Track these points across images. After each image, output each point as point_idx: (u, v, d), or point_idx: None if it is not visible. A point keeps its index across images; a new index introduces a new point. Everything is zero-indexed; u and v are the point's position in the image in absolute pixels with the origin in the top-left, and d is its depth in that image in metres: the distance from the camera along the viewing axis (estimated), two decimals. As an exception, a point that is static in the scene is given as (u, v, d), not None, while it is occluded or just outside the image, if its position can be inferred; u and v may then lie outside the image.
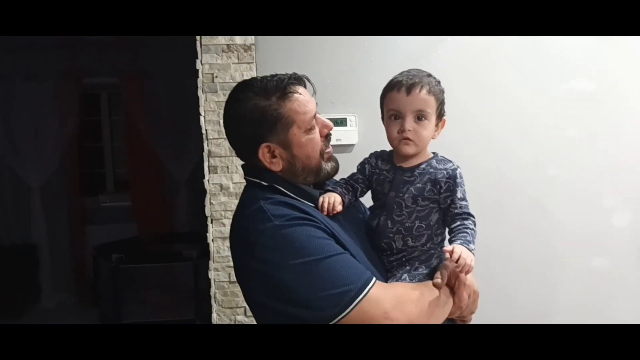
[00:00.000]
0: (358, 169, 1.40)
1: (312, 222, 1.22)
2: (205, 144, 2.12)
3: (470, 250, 1.24)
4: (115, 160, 5.08)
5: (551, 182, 2.12)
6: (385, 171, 1.35)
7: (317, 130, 1.30)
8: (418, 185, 1.30)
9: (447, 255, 1.22)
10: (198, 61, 2.10)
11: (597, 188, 2.12)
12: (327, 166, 1.33)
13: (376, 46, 2.10)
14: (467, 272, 1.25)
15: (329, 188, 1.36)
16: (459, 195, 1.29)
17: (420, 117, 1.28)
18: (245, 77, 2.06)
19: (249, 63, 2.09)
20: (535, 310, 2.12)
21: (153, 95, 4.60)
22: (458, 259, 1.20)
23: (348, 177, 1.40)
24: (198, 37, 2.08)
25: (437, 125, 1.31)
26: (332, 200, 1.31)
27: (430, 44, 2.10)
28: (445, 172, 1.29)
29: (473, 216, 1.30)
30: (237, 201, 1.93)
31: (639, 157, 2.11)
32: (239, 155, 1.35)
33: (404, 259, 1.32)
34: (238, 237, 1.28)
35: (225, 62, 2.09)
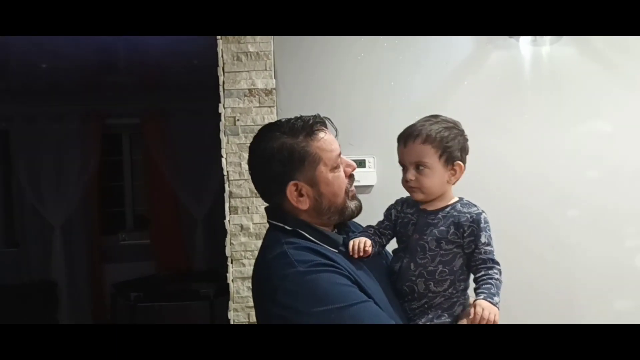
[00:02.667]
0: (385, 215, 1.42)
1: (335, 269, 1.22)
2: (226, 185, 2.15)
3: (494, 304, 1.23)
4: (135, 199, 5.16)
5: (572, 223, 2.11)
6: (410, 214, 1.37)
7: (342, 169, 1.33)
8: (442, 228, 1.30)
9: (471, 314, 1.22)
10: (221, 105, 2.15)
11: (619, 229, 2.11)
12: (352, 205, 1.35)
13: (394, 89, 2.14)
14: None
15: (357, 234, 1.37)
16: (482, 240, 1.28)
17: (419, 167, 1.30)
18: (267, 121, 2.13)
19: (269, 107, 2.13)
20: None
21: (173, 136, 4.70)
22: (480, 319, 1.20)
23: (376, 225, 1.41)
24: (221, 82, 2.14)
25: (451, 170, 1.31)
26: (362, 243, 1.32)
27: (448, 86, 2.13)
28: (469, 216, 1.30)
29: (498, 264, 1.28)
30: (257, 242, 1.96)
31: (660, 197, 2.09)
32: (264, 196, 1.38)
33: (426, 306, 1.31)
34: (260, 281, 1.29)
35: (247, 106, 2.14)
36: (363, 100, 2.14)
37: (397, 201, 1.42)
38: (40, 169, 4.65)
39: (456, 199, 1.35)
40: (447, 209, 1.32)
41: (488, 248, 1.28)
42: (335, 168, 1.31)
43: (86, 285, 4.81)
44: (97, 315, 4.74)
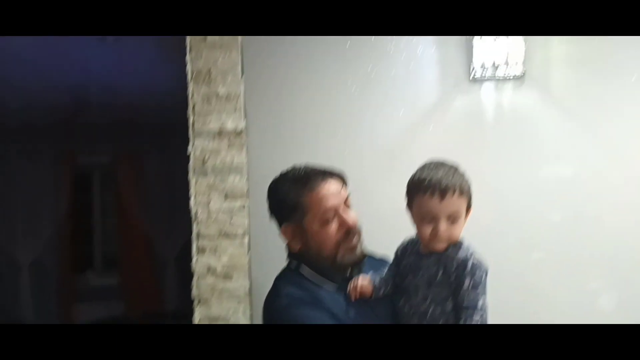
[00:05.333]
0: (395, 254, 1.47)
1: (315, 305, 1.33)
2: (194, 225, 2.14)
3: None
4: (105, 238, 5.08)
5: (536, 266, 2.14)
6: (410, 253, 1.41)
7: (334, 224, 1.40)
8: (432, 271, 1.33)
9: None
10: (190, 146, 2.16)
11: (582, 271, 2.14)
12: (344, 258, 1.41)
13: (362, 131, 2.18)
14: None
15: (364, 274, 1.44)
16: (466, 285, 1.29)
17: (453, 219, 1.32)
18: (236, 161, 2.15)
19: (239, 147, 2.15)
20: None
21: (145, 176, 4.68)
22: None
23: (390, 265, 1.46)
24: (191, 123, 2.16)
25: (465, 216, 1.35)
26: (360, 284, 1.38)
27: (415, 129, 2.18)
28: (456, 260, 1.32)
29: (480, 310, 1.28)
30: (224, 283, 2.02)
31: (621, 240, 2.13)
32: (279, 229, 1.50)
33: None
34: (263, 308, 1.46)
35: (216, 147, 2.16)
36: (332, 141, 2.17)
37: (405, 241, 1.46)
38: (9, 207, 4.56)
39: (455, 241, 1.37)
40: (440, 252, 1.34)
41: (472, 294, 1.29)
42: (324, 223, 1.39)
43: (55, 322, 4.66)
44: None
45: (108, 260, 5.04)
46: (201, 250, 2.14)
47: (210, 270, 2.13)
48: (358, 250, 1.44)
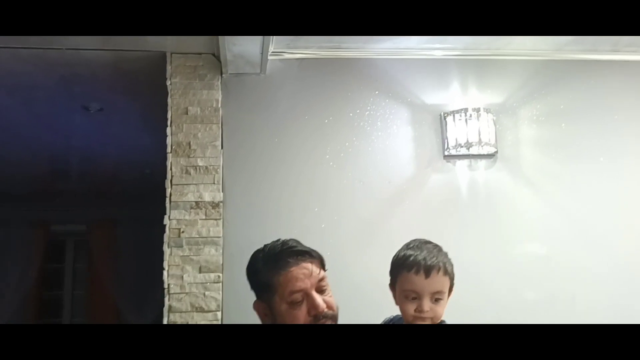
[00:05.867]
0: None
1: None
2: (166, 299, 2.09)
3: None
4: (74, 309, 4.91)
5: (513, 344, 2.12)
6: None
7: (303, 306, 1.35)
8: None
9: None
10: (166, 217, 2.15)
11: (559, 350, 2.12)
12: None
13: (340, 205, 2.19)
14: None
15: None
16: None
17: (437, 298, 1.31)
18: (212, 234, 2.13)
19: (216, 219, 2.14)
20: None
21: (119, 245, 4.60)
22: None
23: None
24: (168, 195, 2.16)
25: (448, 295, 1.35)
26: None
27: (391, 204, 2.20)
28: None
29: None
30: None
31: (595, 319, 2.13)
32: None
33: None
34: None
35: (192, 218, 2.15)
36: (309, 215, 2.18)
37: (385, 320, 1.46)
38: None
39: (439, 321, 1.35)
40: None
41: None
42: (292, 303, 1.35)
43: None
44: None
45: (77, 313, 4.86)
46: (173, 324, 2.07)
47: (180, 345, 2.06)
48: None
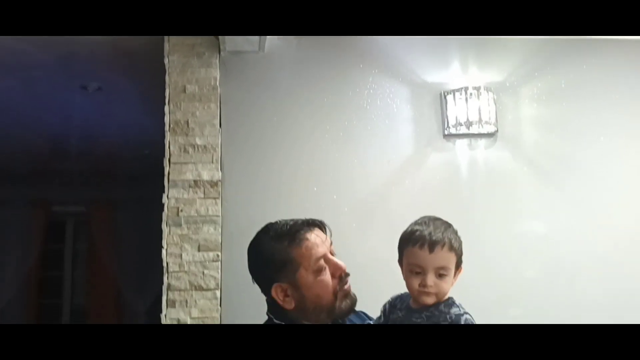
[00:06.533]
0: (381, 311, 1.45)
1: None
2: (165, 277, 2.09)
3: None
4: (74, 290, 4.94)
5: (514, 322, 2.12)
6: (399, 310, 1.39)
7: (327, 271, 1.38)
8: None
9: None
10: (164, 195, 2.14)
11: (557, 329, 2.13)
12: (342, 304, 1.40)
13: (339, 185, 2.19)
14: None
15: None
16: None
17: (441, 274, 1.31)
18: (211, 212, 2.13)
19: (214, 198, 2.14)
20: None
21: (119, 226, 4.60)
22: None
23: (374, 322, 1.45)
24: (166, 173, 2.15)
25: (455, 274, 1.35)
26: None
27: (390, 184, 2.20)
28: (448, 317, 1.31)
29: None
30: None
31: (595, 295, 2.14)
32: (262, 291, 1.46)
33: None
34: None
35: (191, 197, 2.14)
36: (308, 195, 2.18)
37: (392, 297, 1.45)
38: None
39: (446, 298, 1.35)
40: (432, 309, 1.33)
41: None
42: (318, 271, 1.37)
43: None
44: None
45: (76, 312, 4.88)
46: (171, 304, 2.08)
47: (180, 324, 2.07)
48: (351, 294, 1.43)
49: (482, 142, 2.23)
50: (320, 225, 1.44)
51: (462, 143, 2.23)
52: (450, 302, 1.35)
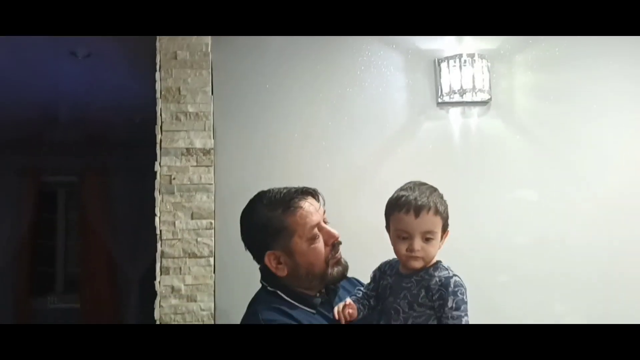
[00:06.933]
0: (371, 277, 1.46)
1: None
2: (158, 245, 2.10)
3: None
4: (67, 259, 4.94)
5: (503, 288, 2.16)
6: (389, 276, 1.41)
7: (320, 239, 1.40)
8: (414, 291, 1.33)
9: None
10: (157, 163, 2.13)
11: (547, 294, 2.16)
12: (334, 271, 1.42)
13: (331, 153, 2.18)
14: None
15: (346, 299, 1.42)
16: (449, 304, 1.29)
17: (428, 238, 1.32)
18: (203, 180, 2.12)
19: (207, 166, 2.13)
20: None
21: (111, 194, 4.59)
22: None
23: (365, 287, 1.46)
24: (158, 141, 2.13)
25: (442, 237, 1.36)
26: (348, 311, 1.38)
27: (383, 151, 2.20)
28: (438, 280, 1.32)
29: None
30: (188, 304, 1.98)
31: (584, 262, 2.17)
32: (254, 258, 1.47)
33: None
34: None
35: (183, 165, 2.13)
36: (301, 162, 2.17)
37: (381, 264, 1.46)
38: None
39: (434, 262, 1.37)
40: (421, 273, 1.35)
41: (455, 313, 1.30)
42: (311, 239, 1.39)
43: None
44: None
45: (69, 282, 4.90)
46: (165, 271, 2.09)
47: (174, 291, 2.08)
48: (343, 261, 1.45)
49: (476, 110, 2.22)
50: (314, 194, 1.45)
51: (455, 111, 2.22)
52: (439, 266, 1.37)
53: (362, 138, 2.20)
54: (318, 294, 1.44)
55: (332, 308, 1.42)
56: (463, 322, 1.30)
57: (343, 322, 1.38)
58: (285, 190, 1.43)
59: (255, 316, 1.37)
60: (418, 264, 1.34)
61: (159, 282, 2.08)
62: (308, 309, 1.40)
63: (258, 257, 1.45)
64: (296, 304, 1.39)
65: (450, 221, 1.40)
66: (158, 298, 2.07)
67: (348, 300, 1.42)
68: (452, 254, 2.11)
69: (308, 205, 1.40)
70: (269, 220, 1.40)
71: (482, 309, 2.11)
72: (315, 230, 1.39)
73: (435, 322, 1.32)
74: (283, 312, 1.36)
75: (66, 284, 4.93)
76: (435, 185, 1.41)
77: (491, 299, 2.14)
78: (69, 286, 4.91)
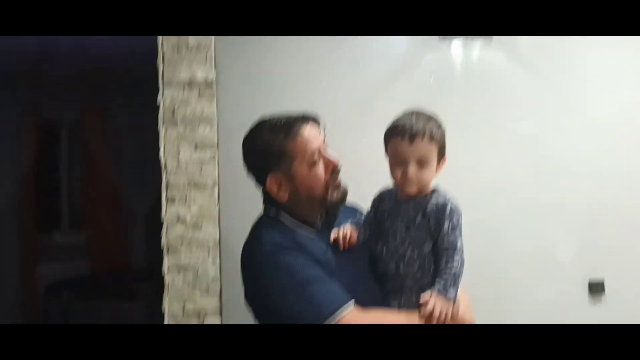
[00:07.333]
0: (371, 205, 1.52)
1: (299, 252, 1.37)
2: (163, 176, 2.14)
3: (449, 298, 1.31)
4: (72, 195, 5.00)
5: (499, 214, 2.20)
6: (387, 201, 1.46)
7: (320, 164, 1.44)
8: (411, 215, 1.39)
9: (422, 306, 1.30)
10: (159, 95, 2.14)
11: (543, 221, 2.21)
12: (333, 196, 1.46)
13: (333, 85, 2.19)
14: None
15: (347, 223, 1.48)
16: (445, 228, 1.35)
17: (422, 163, 1.36)
18: (206, 112, 2.14)
19: (209, 97, 2.14)
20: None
21: (114, 129, 4.60)
22: (430, 313, 1.28)
23: (365, 214, 1.51)
24: (160, 73, 2.14)
25: (438, 164, 1.40)
26: (346, 233, 1.44)
27: (384, 84, 2.20)
28: (434, 204, 1.38)
29: (460, 253, 1.36)
30: (193, 232, 2.04)
31: (580, 191, 2.20)
32: (256, 182, 1.51)
33: (398, 288, 1.39)
34: (242, 256, 1.47)
35: (186, 97, 2.15)
36: (304, 92, 2.18)
37: (381, 191, 1.52)
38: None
39: (431, 187, 1.42)
40: (419, 198, 1.40)
41: (451, 237, 1.36)
42: (311, 164, 1.42)
43: (18, 284, 4.61)
44: (28, 316, 4.55)
45: (74, 217, 4.98)
46: (170, 200, 2.14)
47: (179, 219, 2.14)
48: (342, 187, 1.49)
49: (478, 42, 2.21)
50: (315, 119, 1.47)
51: (457, 43, 2.21)
52: (437, 191, 1.42)
53: (365, 70, 2.20)
54: (318, 219, 1.48)
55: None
56: (457, 245, 1.36)
57: (341, 245, 1.44)
58: (286, 117, 1.46)
59: (258, 239, 1.43)
60: (412, 189, 1.39)
61: (165, 212, 2.14)
62: (308, 233, 1.45)
63: (260, 180, 1.48)
64: (297, 227, 1.44)
65: (449, 150, 1.43)
66: (164, 227, 2.13)
67: (348, 225, 1.48)
68: (450, 181, 2.16)
69: (309, 130, 1.43)
70: (270, 145, 1.43)
71: (477, 233, 2.17)
72: (316, 155, 1.42)
73: (431, 245, 1.37)
74: (284, 234, 1.41)
75: (71, 220, 5.01)
76: (435, 115, 1.44)
77: (487, 225, 2.16)
78: (74, 222, 4.99)
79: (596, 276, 2.18)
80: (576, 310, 2.19)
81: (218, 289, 2.12)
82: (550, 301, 2.19)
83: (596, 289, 2.16)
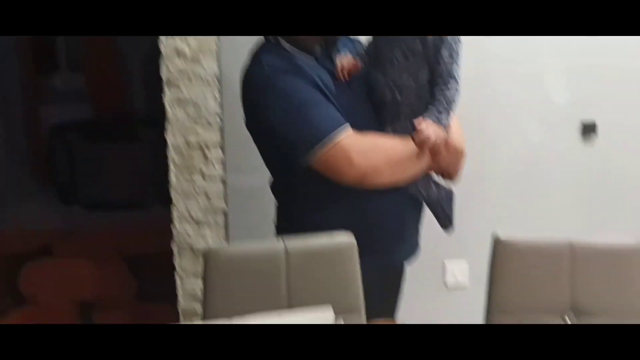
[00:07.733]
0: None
1: (298, 73, 1.38)
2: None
3: (442, 125, 1.33)
4: (69, 39, 4.88)
5: (497, 56, 2.17)
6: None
7: None
8: (411, 43, 1.37)
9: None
10: None
11: (538, 65, 2.20)
12: None
13: None
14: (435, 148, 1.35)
15: (347, 53, 1.47)
16: (444, 53, 1.34)
17: None
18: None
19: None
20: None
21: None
22: (424, 139, 1.31)
23: (365, 47, 1.49)
24: None
25: None
26: (349, 61, 1.44)
27: None
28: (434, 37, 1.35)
29: (456, 80, 1.35)
30: (193, 66, 2.03)
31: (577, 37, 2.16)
32: None
33: (394, 115, 1.42)
34: (242, 80, 1.47)
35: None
36: None
37: None
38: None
39: None
40: None
41: (449, 65, 1.34)
42: None
43: (21, 127, 4.67)
44: (34, 157, 4.68)
45: (74, 61, 4.90)
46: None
47: (179, 53, 2.11)
48: None
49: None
50: None
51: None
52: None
53: None
54: (318, 47, 1.48)
55: (332, 61, 1.48)
56: (454, 74, 1.36)
57: (344, 75, 1.44)
58: None
59: (257, 63, 1.43)
60: None
61: (166, 45, 2.09)
62: (309, 56, 1.45)
63: None
64: (297, 51, 1.44)
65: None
66: (164, 60, 2.11)
67: (349, 54, 1.48)
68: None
69: None
70: None
71: (474, 73, 2.15)
72: None
73: (427, 75, 1.38)
74: (284, 58, 1.42)
75: (71, 62, 4.94)
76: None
77: (485, 65, 2.16)
78: (74, 64, 4.92)
79: (588, 117, 2.21)
80: (569, 151, 2.25)
81: (219, 121, 2.15)
82: (543, 143, 2.24)
83: (588, 129, 2.21)
